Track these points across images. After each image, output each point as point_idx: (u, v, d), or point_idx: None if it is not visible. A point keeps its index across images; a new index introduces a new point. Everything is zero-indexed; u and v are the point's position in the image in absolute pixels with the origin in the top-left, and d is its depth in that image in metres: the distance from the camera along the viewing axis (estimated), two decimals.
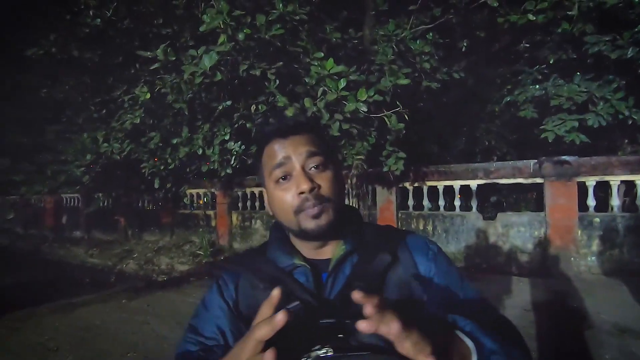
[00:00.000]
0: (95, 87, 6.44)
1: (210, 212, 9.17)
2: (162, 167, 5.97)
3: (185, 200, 9.44)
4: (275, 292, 0.47)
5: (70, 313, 4.33)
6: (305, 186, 0.67)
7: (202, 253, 7.82)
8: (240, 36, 3.25)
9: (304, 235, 0.71)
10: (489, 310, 0.71)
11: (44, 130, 7.96)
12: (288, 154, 0.70)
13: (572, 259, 5.35)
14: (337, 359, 0.53)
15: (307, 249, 0.74)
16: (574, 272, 5.28)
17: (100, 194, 9.87)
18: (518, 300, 4.33)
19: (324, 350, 0.54)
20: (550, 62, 4.87)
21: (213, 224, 9.04)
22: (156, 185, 6.36)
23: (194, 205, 9.57)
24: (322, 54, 3.74)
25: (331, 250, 0.73)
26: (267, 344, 0.46)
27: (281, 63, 3.76)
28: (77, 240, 10.76)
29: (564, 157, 5.28)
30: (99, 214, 10.68)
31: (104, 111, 6.31)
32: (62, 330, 3.76)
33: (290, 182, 0.70)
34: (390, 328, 0.44)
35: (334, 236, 0.73)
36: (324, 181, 0.69)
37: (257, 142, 0.78)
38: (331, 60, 3.56)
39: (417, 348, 0.43)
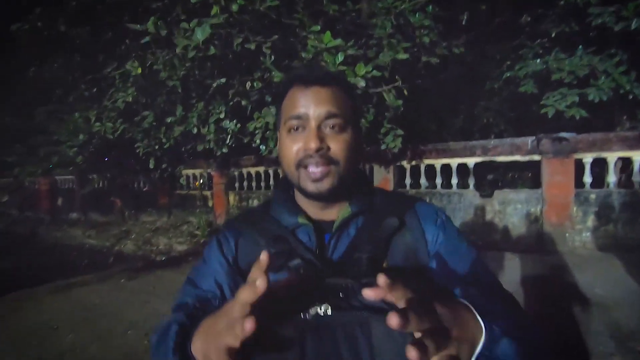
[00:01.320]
0: (85, 64, 6.25)
1: (207, 193, 9.14)
2: (156, 147, 5.88)
3: (181, 180, 9.38)
4: (264, 256, 0.45)
5: (69, 293, 4.35)
6: (313, 144, 0.64)
7: (199, 233, 7.83)
8: (234, 7, 3.12)
9: (304, 192, 0.69)
10: (497, 286, 0.69)
11: (35, 111, 7.78)
12: (307, 109, 0.66)
13: (567, 234, 5.42)
14: (336, 318, 0.52)
15: (312, 209, 0.72)
16: (569, 248, 5.35)
17: (95, 175, 9.78)
18: (513, 276, 4.40)
19: (322, 309, 0.53)
20: (552, 35, 4.76)
21: (210, 204, 9.03)
22: (151, 166, 6.28)
23: (191, 185, 9.52)
24: (319, 27, 3.62)
25: (337, 212, 0.71)
26: (263, 303, 0.44)
27: (277, 37, 3.64)
28: (74, 222, 10.72)
29: (561, 134, 5.25)
30: (94, 195, 10.61)
31: (95, 90, 6.15)
32: (62, 309, 3.78)
33: (301, 135, 0.67)
34: (398, 297, 0.41)
35: (339, 198, 0.71)
36: (337, 143, 0.67)
37: (282, 85, 0.74)
38: (328, 33, 3.45)
39: (424, 318, 0.39)
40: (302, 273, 0.58)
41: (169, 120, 5.44)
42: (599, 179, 5.45)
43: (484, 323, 0.46)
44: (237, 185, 8.65)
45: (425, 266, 0.68)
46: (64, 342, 3.01)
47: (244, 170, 8.46)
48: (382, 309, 0.45)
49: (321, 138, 0.65)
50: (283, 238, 0.68)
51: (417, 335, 0.39)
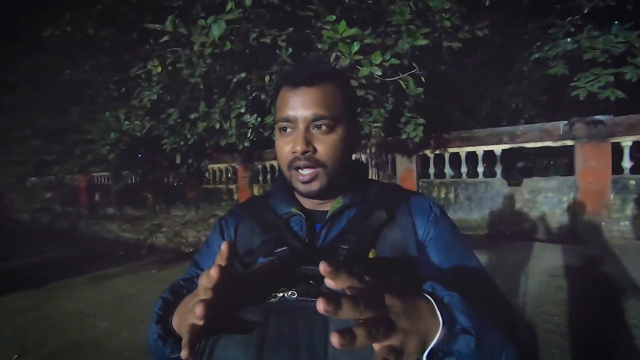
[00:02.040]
0: (112, 65, 6.51)
1: (232, 186, 9.36)
2: (182, 143, 6.06)
3: (207, 175, 9.64)
4: (224, 246, 0.48)
5: (105, 283, 4.62)
6: (298, 147, 0.66)
7: None
8: (248, 2, 3.13)
9: (296, 192, 0.73)
10: (484, 282, 0.68)
11: (69, 111, 8.21)
12: (295, 111, 0.67)
13: (603, 223, 5.14)
14: (299, 303, 0.53)
15: (307, 200, 0.75)
16: (606, 238, 5.08)
17: (128, 172, 10.24)
18: (543, 267, 4.23)
19: (289, 293, 0.54)
20: (585, 11, 4.44)
21: (235, 197, 9.25)
22: (177, 161, 6.49)
23: (216, 179, 9.77)
24: (334, 17, 3.56)
25: (331, 203, 0.73)
26: (230, 286, 0.48)
27: (292, 29, 3.62)
28: (110, 217, 11.31)
29: (597, 117, 4.94)
30: (128, 191, 11.12)
31: (123, 89, 6.40)
32: (98, 298, 4.03)
33: (290, 137, 0.69)
34: (341, 285, 0.41)
35: (334, 192, 0.72)
36: (324, 145, 0.67)
37: (275, 84, 0.78)
38: (343, 23, 3.39)
39: (363, 307, 0.39)
40: (285, 260, 0.60)
41: (192, 116, 5.58)
42: (639, 164, 5.11)
43: (442, 318, 0.45)
44: (261, 178, 8.79)
45: (412, 260, 0.68)
46: (99, 328, 3.22)
47: (267, 164, 8.58)
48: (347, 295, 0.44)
49: (308, 141, 0.66)
50: (276, 226, 0.70)
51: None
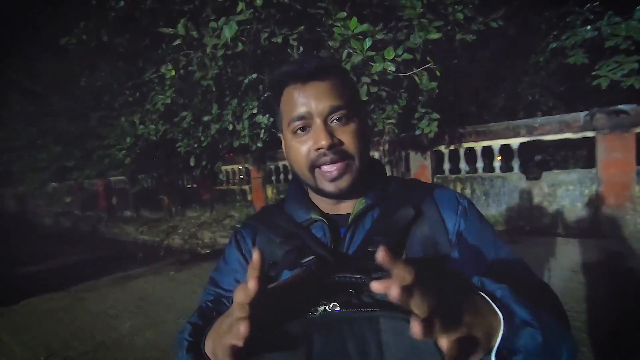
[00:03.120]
0: (127, 71, 6.63)
1: (246, 187, 9.43)
2: (195, 145, 6.13)
3: (221, 176, 9.74)
4: (255, 255, 0.43)
5: (126, 284, 4.72)
6: (324, 142, 0.62)
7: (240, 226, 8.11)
8: (258, 2, 3.14)
9: (322, 193, 0.68)
10: (525, 272, 0.64)
11: (88, 117, 8.42)
12: (308, 107, 0.64)
13: (627, 217, 4.96)
14: (344, 315, 0.51)
15: (325, 204, 0.71)
16: (630, 231, 4.90)
17: (144, 175, 10.44)
18: (565, 262, 4.12)
19: (330, 306, 0.52)
20: None
21: (249, 198, 9.32)
22: (192, 163, 6.57)
23: (230, 181, 9.86)
24: (345, 14, 3.54)
25: (351, 205, 0.69)
26: (267, 302, 0.44)
27: (303, 27, 3.61)
28: (128, 220, 11.56)
29: (619, 107, 4.77)
30: (144, 194, 11.34)
31: (138, 94, 6.52)
32: (120, 299, 4.12)
33: (308, 135, 0.65)
34: (400, 275, 0.39)
35: (355, 192, 0.68)
36: (347, 136, 0.64)
37: (273, 83, 0.72)
38: (355, 19, 3.36)
39: (429, 298, 0.37)
40: (314, 270, 0.57)
41: (205, 119, 5.65)
42: None
43: (502, 314, 0.43)
44: (274, 178, 8.83)
45: (446, 256, 0.65)
46: (122, 328, 3.29)
47: (280, 164, 8.61)
48: (394, 306, 0.43)
49: (330, 133, 0.63)
50: (297, 235, 0.67)
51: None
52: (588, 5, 4.48)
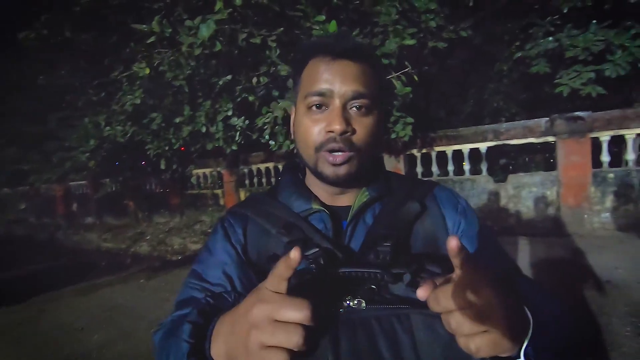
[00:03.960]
0: (92, 69, 6.30)
1: (218, 191, 9.20)
2: (166, 148, 5.91)
3: (192, 180, 9.45)
4: (295, 254, 0.39)
5: (92, 294, 4.45)
6: (337, 126, 0.59)
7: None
8: (237, 1, 3.09)
9: (319, 176, 0.65)
10: (518, 270, 0.66)
11: (47, 118, 7.90)
12: (331, 85, 0.60)
13: (585, 216, 5.32)
14: (372, 312, 0.49)
15: (324, 194, 0.68)
16: (588, 230, 5.25)
17: (108, 179, 9.93)
18: (532, 260, 4.34)
19: (355, 302, 0.50)
20: (564, 11, 4.61)
21: (221, 202, 9.10)
22: (162, 167, 6.32)
23: (201, 185, 9.60)
24: (324, 17, 3.56)
25: (352, 198, 0.67)
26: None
27: (281, 29, 3.60)
28: (90, 226, 10.94)
29: (577, 113, 5.12)
30: (108, 199, 10.78)
31: (103, 94, 6.20)
32: (86, 310, 3.87)
33: (323, 114, 0.61)
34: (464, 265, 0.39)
35: (356, 183, 0.66)
36: (362, 127, 0.62)
37: (302, 52, 0.67)
38: (334, 22, 3.40)
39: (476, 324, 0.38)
40: (323, 263, 0.54)
41: (177, 120, 5.46)
42: (617, 158, 5.32)
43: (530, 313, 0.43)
44: (247, 182, 8.68)
45: (445, 252, 0.66)
46: (90, 342, 3.08)
47: (254, 167, 8.49)
48: (417, 300, 0.42)
49: (346, 120, 0.60)
50: (295, 225, 0.62)
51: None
52: (549, 18, 4.79)
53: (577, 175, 5.32)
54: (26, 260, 7.20)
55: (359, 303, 0.50)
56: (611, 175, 5.19)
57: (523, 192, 5.87)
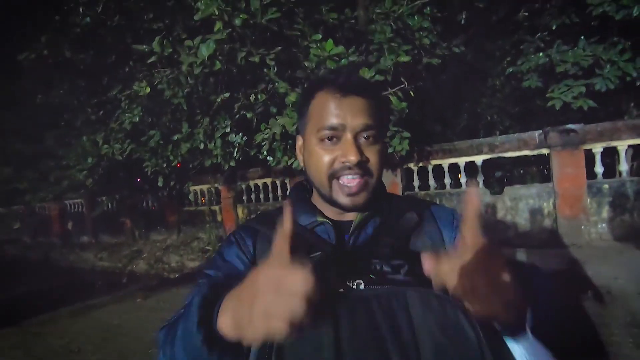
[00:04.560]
0: (90, 88, 6.37)
1: (216, 208, 9.15)
2: (164, 165, 5.92)
3: (190, 197, 9.41)
4: (287, 224, 0.44)
5: (88, 315, 4.36)
6: (353, 157, 0.64)
7: (210, 248, 7.82)
8: (237, 22, 3.17)
9: (334, 204, 0.69)
10: None
11: (44, 137, 7.91)
12: (343, 120, 0.65)
13: (582, 227, 5.34)
14: (370, 291, 0.53)
15: (329, 211, 0.72)
16: (585, 241, 5.27)
17: (104, 197, 9.86)
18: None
19: (355, 283, 0.54)
20: (553, 28, 4.76)
21: (219, 218, 9.03)
22: (160, 184, 6.32)
23: (199, 202, 9.55)
24: (320, 36, 3.66)
25: (354, 213, 0.71)
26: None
27: (279, 48, 3.68)
28: (86, 245, 10.78)
29: (569, 126, 5.22)
30: (104, 218, 10.68)
31: (102, 112, 6.25)
32: (82, 332, 3.78)
33: (336, 146, 0.66)
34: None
35: (364, 210, 0.71)
36: (372, 154, 0.67)
37: (310, 85, 0.73)
38: (331, 41, 3.49)
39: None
40: (325, 265, 0.58)
41: (175, 137, 5.49)
42: (610, 169, 5.39)
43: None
44: (245, 198, 8.66)
45: None
46: None
47: (251, 183, 8.48)
48: (416, 281, 0.47)
49: (359, 150, 0.65)
50: (301, 236, 0.66)
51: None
52: (538, 34, 4.94)
53: (572, 187, 5.37)
54: (20, 281, 7.07)
55: (358, 284, 0.54)
56: (606, 186, 5.25)
57: (520, 204, 5.90)
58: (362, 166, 0.65)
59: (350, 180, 0.65)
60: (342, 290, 0.52)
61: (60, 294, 5.65)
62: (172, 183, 7.33)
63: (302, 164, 0.74)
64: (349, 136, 0.65)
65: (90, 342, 3.44)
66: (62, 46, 5.14)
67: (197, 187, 9.41)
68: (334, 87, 0.67)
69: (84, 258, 9.56)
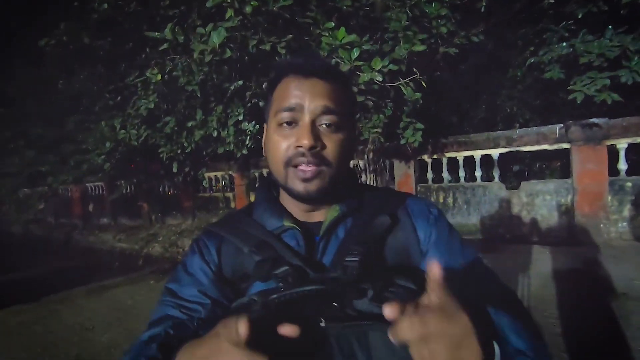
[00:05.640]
0: (108, 74, 6.48)
1: (229, 194, 9.30)
2: (179, 151, 6.01)
3: (204, 183, 9.57)
4: (243, 329, 0.38)
5: (103, 295, 4.54)
6: (306, 141, 0.60)
7: None
8: (248, 9, 3.13)
9: (290, 192, 0.65)
10: (492, 280, 0.65)
11: (64, 121, 8.14)
12: (301, 100, 0.62)
13: (601, 225, 5.17)
14: (330, 330, 0.48)
15: (298, 210, 0.68)
16: (604, 239, 5.10)
17: (123, 181, 10.14)
18: (543, 269, 4.24)
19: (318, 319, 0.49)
20: (579, 17, 4.52)
21: (232, 205, 9.18)
22: (174, 170, 6.43)
23: (213, 188, 9.71)
24: (333, 24, 3.58)
25: (324, 213, 0.67)
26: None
27: (291, 36, 3.63)
28: (105, 227, 11.17)
29: (592, 120, 5.00)
30: (123, 201, 11.00)
31: (119, 98, 6.36)
32: (97, 310, 3.95)
33: (292, 130, 0.63)
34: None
35: (328, 199, 0.66)
36: (331, 143, 0.62)
37: (272, 74, 0.70)
38: (343, 29, 3.41)
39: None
40: (291, 281, 0.54)
41: (189, 124, 5.55)
42: (635, 166, 5.16)
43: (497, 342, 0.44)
44: (257, 185, 8.74)
45: (417, 263, 0.65)
46: (100, 342, 3.15)
47: (264, 171, 8.55)
48: (379, 316, 0.42)
49: (315, 135, 0.61)
50: (268, 244, 0.63)
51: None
52: (563, 23, 4.70)
53: (592, 183, 5.18)
54: (42, 259, 7.40)
55: (319, 322, 0.50)
56: (629, 183, 5.05)
57: (537, 200, 5.74)
58: (316, 153, 0.61)
59: (305, 167, 0.61)
60: (300, 330, 0.46)
61: (79, 273, 5.89)
62: (186, 169, 7.45)
63: (264, 155, 0.70)
64: (306, 119, 0.61)
65: (103, 321, 3.59)
66: (81, 33, 5.22)
67: (212, 174, 9.56)
68: (297, 69, 0.64)
69: (103, 239, 9.91)
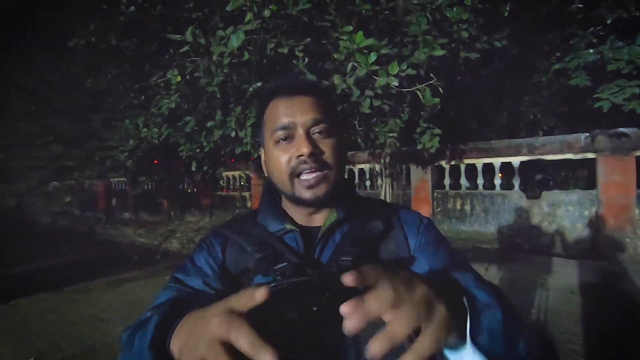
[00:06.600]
0: (133, 74, 6.70)
1: (246, 194, 9.42)
2: (198, 150, 6.15)
3: (221, 182, 9.74)
4: (260, 294, 0.39)
5: (120, 288, 4.68)
6: (305, 149, 0.65)
7: None
8: (266, 13, 3.18)
9: (298, 201, 0.70)
10: (478, 280, 0.66)
11: (90, 118, 8.47)
12: (293, 118, 0.68)
13: (627, 239, 4.94)
14: (324, 315, 0.47)
15: (299, 215, 0.73)
16: (630, 254, 4.87)
17: (144, 178, 10.45)
18: (564, 283, 4.08)
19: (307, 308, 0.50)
20: (608, 22, 4.35)
21: (249, 204, 9.30)
22: (193, 168, 6.59)
23: (230, 187, 9.86)
24: (352, 28, 3.58)
25: (323, 218, 0.72)
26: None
27: (309, 39, 3.66)
28: (127, 221, 11.52)
29: (621, 129, 4.79)
30: (144, 197, 11.34)
31: (143, 97, 6.57)
32: (112, 303, 4.08)
33: (290, 144, 0.68)
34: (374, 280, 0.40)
35: (328, 204, 0.72)
36: (327, 147, 0.68)
37: (260, 99, 0.76)
38: (360, 33, 3.41)
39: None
40: (288, 276, 0.58)
41: (209, 124, 5.67)
42: None
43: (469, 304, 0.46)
44: (262, 191, 8.80)
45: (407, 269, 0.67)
46: (113, 333, 3.24)
47: None
48: None
49: (312, 143, 0.66)
50: (269, 243, 0.68)
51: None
52: (592, 29, 4.53)
53: (619, 195, 4.96)
54: (65, 250, 7.71)
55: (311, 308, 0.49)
56: None
57: (558, 211, 5.55)
58: (317, 159, 0.66)
59: (309, 174, 0.67)
60: (294, 316, 0.46)
61: (100, 266, 6.10)
62: (205, 168, 7.60)
63: (267, 174, 0.75)
64: (300, 132, 0.67)
65: (118, 313, 3.70)
66: (108, 34, 5.43)
67: (230, 173, 9.72)
68: (282, 91, 0.70)
69: (124, 233, 10.22)
